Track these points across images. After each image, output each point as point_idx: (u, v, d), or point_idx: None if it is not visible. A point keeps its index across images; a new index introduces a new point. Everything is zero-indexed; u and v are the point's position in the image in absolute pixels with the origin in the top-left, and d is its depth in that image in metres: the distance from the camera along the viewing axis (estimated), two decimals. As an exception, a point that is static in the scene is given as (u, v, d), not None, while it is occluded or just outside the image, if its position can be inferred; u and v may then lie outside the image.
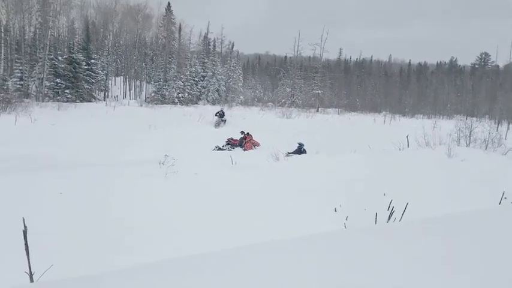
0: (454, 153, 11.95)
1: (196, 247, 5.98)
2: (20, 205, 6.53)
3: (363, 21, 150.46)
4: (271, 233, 6.68)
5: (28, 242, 3.72)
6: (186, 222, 6.87)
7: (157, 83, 49.97)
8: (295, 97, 54.24)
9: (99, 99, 43.70)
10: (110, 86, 51.45)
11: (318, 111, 49.50)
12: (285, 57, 74.60)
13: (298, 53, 58.12)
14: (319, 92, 53.66)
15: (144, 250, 5.84)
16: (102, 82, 47.21)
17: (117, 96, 49.73)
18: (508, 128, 31.90)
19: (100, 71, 45.40)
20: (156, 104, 43.47)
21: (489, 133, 14.58)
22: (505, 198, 8.70)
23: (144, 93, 54.84)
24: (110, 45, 54.67)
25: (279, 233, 6.46)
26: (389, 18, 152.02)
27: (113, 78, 56.43)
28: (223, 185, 8.60)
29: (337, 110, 53.50)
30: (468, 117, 37.79)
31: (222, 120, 26.00)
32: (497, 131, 19.23)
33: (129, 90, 55.59)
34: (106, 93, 48.61)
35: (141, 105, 40.00)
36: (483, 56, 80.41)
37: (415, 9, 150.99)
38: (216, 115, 26.77)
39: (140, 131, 20.38)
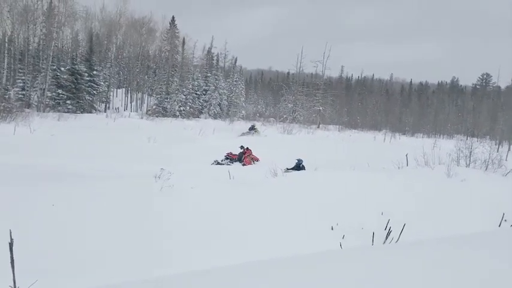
0: (454, 173, 11.85)
1: (189, 264, 5.86)
2: (6, 218, 6.43)
3: (365, 40, 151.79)
4: (266, 251, 6.56)
5: (14, 256, 3.61)
6: (179, 238, 6.75)
7: (159, 96, 50.11)
8: (296, 113, 54.32)
9: (99, 111, 43.80)
10: (111, 97, 51.62)
11: (319, 127, 49.50)
12: (288, 73, 74.99)
13: (301, 69, 58.46)
14: (321, 108, 53.76)
15: (131, 267, 5.72)
16: (104, 94, 47.38)
17: (118, 108, 49.83)
18: (509, 149, 31.81)
19: (102, 83, 45.59)
20: (157, 116, 43.53)
21: (489, 154, 14.50)
22: (505, 220, 8.58)
23: (145, 105, 54.95)
24: (113, 57, 55.00)
25: (275, 251, 6.35)
26: (392, 38, 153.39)
27: (115, 90, 56.63)
28: (219, 200, 8.50)
29: (338, 127, 53.51)
30: (468, 138, 37.77)
31: (254, 129, 31.04)
32: (497, 151, 19.15)
33: (131, 102, 55.72)
34: (107, 105, 48.74)
35: (142, 118, 40.06)
36: (484, 76, 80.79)
37: (417, 29, 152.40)
38: (249, 129, 31.71)
39: (139, 143, 20.33)
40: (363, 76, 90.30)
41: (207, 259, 6.07)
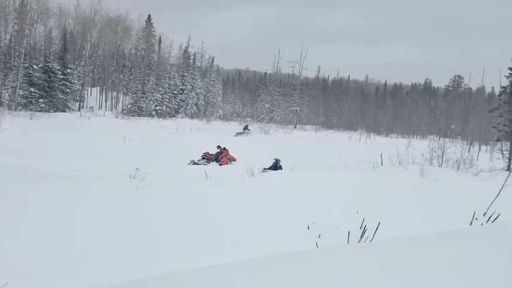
0: (427, 172, 12.11)
1: (166, 265, 5.80)
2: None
3: (342, 42, 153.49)
4: (243, 250, 6.55)
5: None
6: (153, 238, 6.68)
7: (134, 95, 49.50)
8: (273, 113, 54.52)
9: (73, 110, 42.96)
10: (85, 96, 50.66)
11: (295, 127, 49.82)
12: (265, 73, 75.17)
13: (278, 69, 58.68)
14: (297, 108, 54.11)
15: (109, 269, 5.62)
16: (78, 92, 46.47)
17: (92, 107, 48.95)
18: (480, 150, 32.73)
19: (76, 81, 44.70)
20: (132, 116, 42.98)
21: (461, 154, 14.87)
22: (476, 219, 8.79)
23: (120, 104, 54.17)
24: (87, 56, 54.01)
25: (252, 251, 6.35)
26: (368, 40, 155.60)
27: (89, 88, 55.62)
28: (195, 200, 8.43)
29: (314, 127, 53.96)
30: (441, 138, 38.64)
31: (247, 130, 33.17)
32: (469, 152, 19.66)
33: (105, 101, 54.84)
34: (81, 104, 47.82)
35: (117, 117, 39.48)
36: (456, 78, 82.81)
37: (392, 32, 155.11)
38: (243, 129, 33.74)
39: (114, 143, 20.01)
40: (339, 77, 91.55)
41: (183, 259, 6.02)
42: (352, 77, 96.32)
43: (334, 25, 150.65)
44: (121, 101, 55.07)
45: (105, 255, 5.95)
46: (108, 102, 55.14)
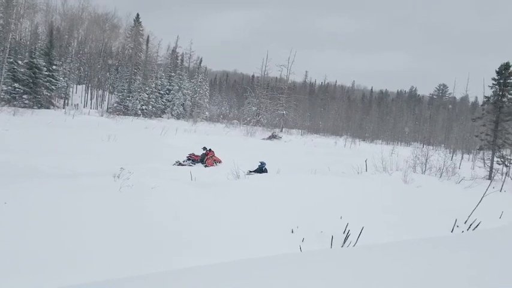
0: (410, 179, 12.25)
1: (151, 265, 5.74)
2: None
3: (330, 48, 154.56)
4: (228, 253, 6.53)
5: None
6: (135, 240, 6.61)
7: (120, 94, 49.07)
8: (260, 116, 54.59)
9: (58, 107, 42.36)
10: (70, 93, 49.99)
11: (282, 131, 49.99)
12: (253, 76, 75.31)
13: (266, 73, 58.86)
14: (284, 112, 54.28)
15: (94, 268, 5.55)
16: (63, 89, 45.83)
17: (77, 104, 48.34)
18: (462, 158, 33.22)
19: (61, 78, 44.09)
20: (118, 115, 42.60)
21: (444, 162, 15.10)
22: (457, 226, 8.93)
23: (106, 103, 53.64)
24: (73, 53, 53.35)
25: (233, 254, 6.33)
26: (355, 47, 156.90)
27: (75, 86, 54.94)
28: (180, 201, 8.38)
29: (300, 131, 54.21)
30: (425, 145, 39.15)
31: (275, 137, 36.98)
32: (451, 160, 19.96)
33: (91, 99, 54.24)
34: (66, 101, 47.19)
35: (102, 115, 39.09)
36: (441, 87, 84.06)
37: (379, 40, 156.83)
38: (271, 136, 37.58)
39: (99, 141, 19.79)
40: (326, 82, 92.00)
41: (168, 260, 5.98)
42: (339, 83, 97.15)
43: (323, 31, 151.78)
44: (107, 99, 54.52)
45: (83, 256, 5.87)
46: (94, 100, 54.54)
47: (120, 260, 5.89)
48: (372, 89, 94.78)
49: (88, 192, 7.91)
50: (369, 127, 64.24)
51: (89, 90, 54.57)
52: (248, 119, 53.55)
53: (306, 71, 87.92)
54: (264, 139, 35.14)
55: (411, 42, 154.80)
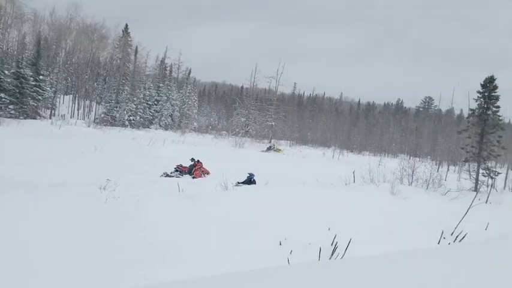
0: (397, 190, 12.33)
1: (138, 279, 5.66)
2: None
3: (319, 60, 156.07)
4: (216, 265, 6.47)
5: None
6: (119, 253, 6.52)
7: (108, 104, 48.80)
8: (249, 127, 54.64)
9: (44, 117, 41.90)
10: (57, 104, 49.54)
11: (270, 142, 50.05)
12: (242, 87, 75.45)
13: (255, 84, 59.09)
14: (273, 123, 54.41)
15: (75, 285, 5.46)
16: (50, 100, 45.40)
17: (64, 115, 47.86)
18: (448, 170, 33.56)
19: (48, 88, 43.68)
20: (105, 125, 42.27)
21: (430, 173, 15.23)
22: (444, 238, 8.98)
23: (93, 113, 53.24)
24: (61, 63, 52.99)
25: (221, 266, 6.28)
26: (344, 59, 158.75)
27: (62, 96, 54.48)
28: (166, 213, 8.31)
29: (289, 142, 54.35)
30: (411, 157, 39.51)
31: (272, 148, 37.47)
32: (438, 171, 20.14)
33: (78, 109, 53.78)
34: (53, 112, 46.71)
35: (89, 126, 38.77)
36: (427, 99, 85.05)
37: (367, 53, 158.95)
38: (268, 148, 37.90)
39: (85, 152, 19.58)
40: (314, 94, 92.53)
41: (157, 274, 5.91)
42: (327, 95, 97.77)
43: (312, 44, 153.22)
44: (94, 110, 54.13)
45: (66, 268, 5.77)
46: (81, 110, 54.09)
47: (94, 274, 5.79)
48: (359, 101, 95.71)
49: (72, 203, 7.80)
50: (356, 138, 64.69)
51: (76, 101, 54.15)
52: (237, 130, 53.57)
53: (295, 83, 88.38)
54: (262, 151, 35.38)
55: (398, 55, 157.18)
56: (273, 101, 56.42)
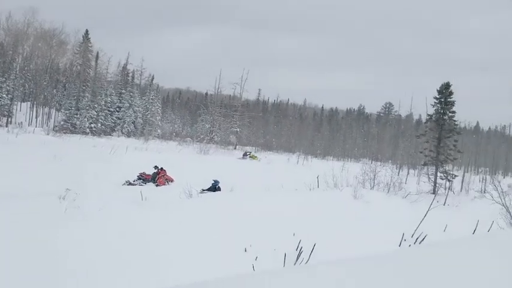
0: (360, 194, 12.58)
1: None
2: None
3: (283, 66, 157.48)
4: (179, 275, 6.37)
5: None
6: (81, 262, 6.32)
7: (68, 111, 47.48)
8: (213, 134, 54.43)
9: (0, 125, 40.24)
10: (14, 111, 47.68)
11: (235, 148, 50.05)
12: (206, 93, 75.11)
13: (219, 90, 58.99)
14: (238, 130, 54.46)
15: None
16: (6, 107, 43.65)
17: (21, 122, 46.09)
18: (408, 173, 34.56)
19: (4, 95, 42.02)
20: (65, 133, 41.03)
21: (391, 177, 15.65)
22: (405, 240, 9.21)
23: (52, 121, 51.57)
24: (18, 69, 51.08)
25: (187, 275, 6.18)
26: (307, 66, 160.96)
27: (19, 103, 52.48)
28: (128, 222, 8.12)
29: (254, 148, 54.48)
30: (373, 162, 40.46)
31: (248, 155, 37.37)
32: (398, 175, 20.72)
33: (36, 117, 51.97)
34: (9, 119, 44.91)
35: (48, 134, 37.48)
36: (387, 105, 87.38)
37: (331, 60, 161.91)
38: (244, 155, 38.07)
39: (44, 161, 18.90)
40: (278, 100, 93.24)
41: (117, 285, 5.76)
42: (291, 101, 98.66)
43: (276, 51, 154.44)
44: (53, 117, 52.46)
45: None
46: (40, 118, 52.29)
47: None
48: (322, 107, 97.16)
49: (26, 215, 7.50)
50: (320, 144, 65.63)
51: (35, 108, 52.31)
52: (202, 136, 53.25)
53: (259, 89, 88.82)
54: (239, 158, 35.93)
55: (360, 62, 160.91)
56: (237, 107, 56.51)
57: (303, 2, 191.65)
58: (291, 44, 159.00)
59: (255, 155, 38.68)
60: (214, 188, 15.68)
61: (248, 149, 52.52)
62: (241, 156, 37.87)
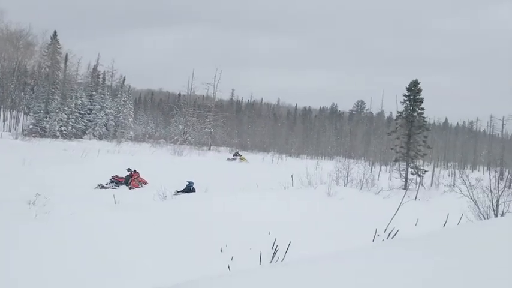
0: (334, 192, 12.74)
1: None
2: None
3: (256, 66, 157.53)
4: (155, 278, 6.31)
5: None
6: (53, 270, 6.18)
7: (37, 115, 46.30)
8: (187, 134, 54.03)
9: (-36, 130, 38.92)
10: (-21, 115, 46.20)
11: (210, 149, 49.86)
12: (179, 94, 74.43)
13: (192, 91, 58.58)
14: (212, 130, 54.23)
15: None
16: (-30, 111, 42.25)
17: (-13, 127, 44.72)
18: (380, 170, 35.20)
19: (-32, 99, 40.65)
20: (34, 137, 39.99)
21: (364, 174, 15.90)
22: (378, 235, 9.39)
23: (21, 125, 50.17)
24: (-18, 72, 49.48)
25: (163, 278, 6.14)
26: (281, 65, 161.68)
27: (-16, 107, 50.85)
28: (101, 226, 7.99)
29: (228, 148, 54.40)
30: (346, 159, 41.04)
31: (237, 156, 37.03)
32: (371, 172, 21.07)
33: (4, 121, 50.43)
34: (-26, 124, 43.50)
35: (17, 138, 36.45)
36: (359, 103, 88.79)
37: (302, 59, 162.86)
38: (234, 155, 37.99)
39: (12, 166, 18.38)
40: (252, 100, 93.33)
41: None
42: (265, 100, 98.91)
43: (249, 50, 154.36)
44: (22, 121, 51.02)
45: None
46: (7, 122, 50.75)
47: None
48: (296, 106, 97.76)
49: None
50: (294, 142, 66.02)
51: (2, 112, 50.75)
52: (175, 137, 52.77)
53: (233, 89, 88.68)
54: (229, 159, 35.97)
55: (332, 62, 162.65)
56: (211, 107, 56.28)
57: (273, 2, 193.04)
58: (262, 43, 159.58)
59: (244, 157, 37.98)
60: (189, 189, 15.59)
61: (222, 149, 52.43)
62: (231, 157, 37.70)
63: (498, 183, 11.14)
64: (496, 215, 10.29)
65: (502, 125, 47.27)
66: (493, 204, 10.44)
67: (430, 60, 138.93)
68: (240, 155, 38.27)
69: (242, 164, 32.31)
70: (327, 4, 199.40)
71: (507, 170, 26.86)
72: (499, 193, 10.64)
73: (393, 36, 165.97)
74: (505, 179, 19.63)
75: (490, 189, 10.63)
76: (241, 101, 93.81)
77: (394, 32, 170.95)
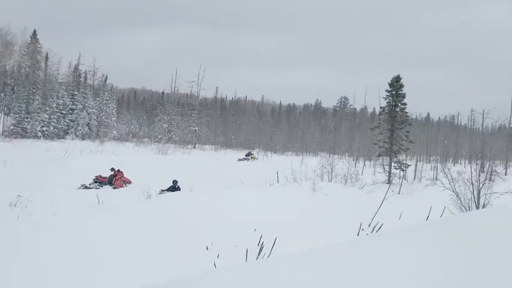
0: (319, 187, 12.82)
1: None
2: None
3: (240, 64, 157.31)
4: (141, 277, 6.27)
5: None
6: (37, 272, 6.10)
7: (17, 115, 45.56)
8: (172, 133, 53.72)
9: None
10: (-43, 117, 45.22)
11: (195, 147, 49.67)
12: (162, 93, 73.88)
13: (176, 89, 58.28)
14: (196, 128, 54.03)
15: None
16: None
17: (-34, 128, 43.82)
18: (364, 165, 35.52)
19: None
20: (15, 138, 39.34)
21: (348, 169, 16.04)
22: (362, 229, 9.49)
23: (1, 126, 49.27)
24: (-41, 72, 48.40)
25: (150, 276, 6.10)
26: (265, 63, 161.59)
27: (-37, 108, 49.78)
28: (85, 227, 7.91)
29: (213, 146, 54.27)
30: (330, 155, 41.31)
31: (250, 156, 37.74)
32: (355, 167, 21.25)
33: (-17, 122, 49.47)
34: (-48, 125, 42.57)
35: (-4, 139, 35.81)
36: (343, 99, 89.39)
37: (287, 57, 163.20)
38: (246, 155, 38.51)
39: (-8, 168, 18.03)
40: (236, 98, 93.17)
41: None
42: (249, 98, 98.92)
43: (233, 49, 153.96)
44: (2, 122, 50.07)
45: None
46: (-14, 123, 49.82)
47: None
48: (280, 103, 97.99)
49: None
50: (279, 139, 66.21)
51: (-20, 113, 49.79)
52: (160, 136, 52.41)
53: (217, 87, 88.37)
54: (240, 160, 36.11)
55: (315, 59, 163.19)
56: (195, 105, 56.04)
57: (257, 1, 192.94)
58: (246, 42, 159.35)
59: (255, 156, 39.19)
60: (174, 187, 15.52)
61: (207, 147, 52.28)
62: (243, 156, 38.24)
63: (479, 176, 11.36)
64: (477, 207, 10.50)
65: (483, 118, 48.02)
66: (474, 196, 10.65)
67: (412, 56, 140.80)
68: (252, 154, 39.13)
69: (227, 162, 32.26)
70: (310, 3, 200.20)
71: (487, 163, 27.34)
72: (480, 185, 10.85)
73: (376, 33, 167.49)
74: (485, 172, 19.99)
75: (472, 182, 10.84)
76: (226, 99, 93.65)
77: (377, 28, 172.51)
